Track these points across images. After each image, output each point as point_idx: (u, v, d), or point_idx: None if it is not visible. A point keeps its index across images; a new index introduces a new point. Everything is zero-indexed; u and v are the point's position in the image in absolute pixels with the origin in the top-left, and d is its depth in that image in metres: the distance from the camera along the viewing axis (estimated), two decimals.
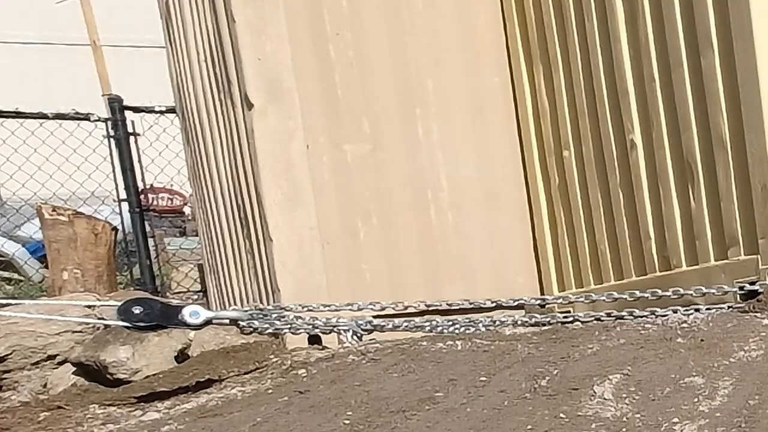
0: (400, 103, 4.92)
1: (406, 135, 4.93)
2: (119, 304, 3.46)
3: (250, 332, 3.54)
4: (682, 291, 3.81)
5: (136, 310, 3.37)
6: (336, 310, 3.71)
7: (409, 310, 3.75)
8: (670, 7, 4.12)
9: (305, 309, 3.66)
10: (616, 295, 3.84)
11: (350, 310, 3.70)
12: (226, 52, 4.84)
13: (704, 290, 3.80)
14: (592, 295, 3.91)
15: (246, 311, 3.57)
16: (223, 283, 5.58)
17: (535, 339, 3.39)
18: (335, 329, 3.55)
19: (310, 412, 2.82)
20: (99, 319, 4.21)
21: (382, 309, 3.80)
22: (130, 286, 8.09)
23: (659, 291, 3.86)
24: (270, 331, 3.65)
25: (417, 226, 4.93)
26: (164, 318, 3.38)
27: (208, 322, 3.47)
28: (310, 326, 3.61)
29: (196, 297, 8.43)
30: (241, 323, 3.51)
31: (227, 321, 3.52)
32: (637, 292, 3.89)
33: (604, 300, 3.97)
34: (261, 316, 3.62)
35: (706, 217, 4.11)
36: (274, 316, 3.63)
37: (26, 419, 3.25)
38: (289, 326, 3.65)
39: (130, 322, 3.37)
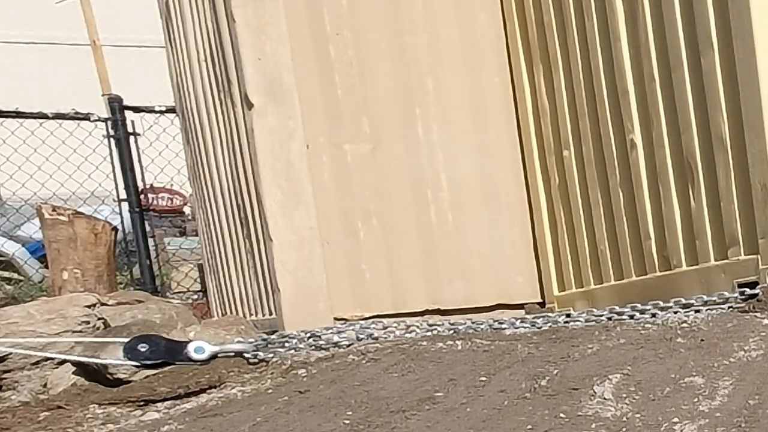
0: (400, 103, 4.92)
1: (406, 135, 4.93)
2: (126, 341, 3.49)
3: (257, 363, 3.55)
4: (684, 301, 3.77)
5: (142, 348, 3.42)
6: (339, 332, 3.72)
7: (412, 329, 3.74)
8: (670, 7, 4.11)
9: (308, 336, 3.66)
10: (618, 309, 3.80)
11: (353, 330, 3.70)
12: (226, 52, 4.84)
13: (705, 299, 3.77)
14: (594, 310, 3.89)
15: (251, 343, 3.58)
16: (223, 283, 5.58)
17: (535, 339, 3.39)
18: (336, 347, 3.57)
19: (310, 412, 2.82)
20: (99, 318, 4.21)
21: (385, 328, 3.79)
22: (130, 286, 8.08)
23: (661, 303, 3.80)
24: (274, 358, 3.66)
25: (417, 226, 4.93)
26: (170, 355, 3.41)
27: (213, 357, 3.49)
28: (312, 347, 3.62)
29: (196, 297, 8.43)
30: (246, 355, 3.53)
31: (233, 353, 3.54)
32: (638, 305, 3.83)
33: (606, 314, 3.90)
34: (265, 345, 3.63)
35: (706, 217, 4.11)
36: (277, 344, 3.64)
37: (26, 419, 3.25)
38: (292, 351, 3.66)
39: (138, 360, 3.41)
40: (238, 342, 3.63)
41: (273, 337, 3.71)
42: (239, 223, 5.08)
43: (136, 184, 7.96)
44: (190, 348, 3.46)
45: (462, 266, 4.98)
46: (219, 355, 3.52)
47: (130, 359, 3.43)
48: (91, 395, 3.76)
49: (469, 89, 5.04)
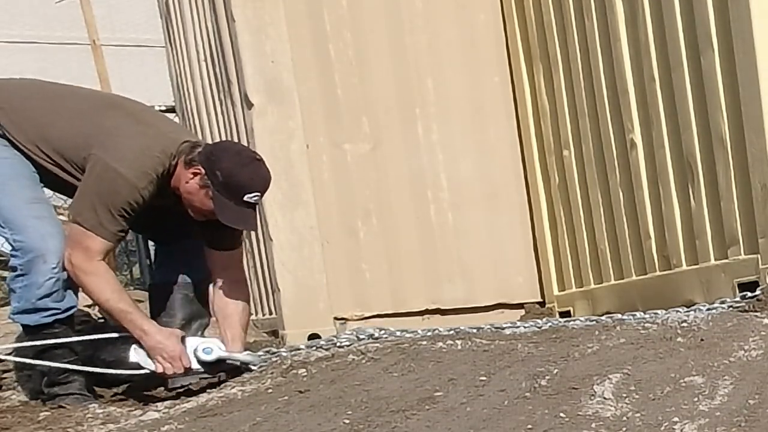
0: (400, 103, 4.92)
1: (406, 135, 4.93)
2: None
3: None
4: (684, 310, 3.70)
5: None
6: (347, 337, 3.71)
7: (417, 335, 3.74)
8: (670, 7, 4.12)
9: (314, 347, 3.66)
10: (618, 316, 3.77)
11: (357, 336, 3.70)
12: (226, 52, 4.84)
13: (708, 306, 3.73)
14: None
15: (259, 356, 3.58)
16: None
17: (535, 338, 3.39)
18: (335, 346, 3.57)
19: (310, 412, 2.82)
20: (99, 318, 4.21)
21: (390, 333, 3.79)
22: (130, 285, 8.07)
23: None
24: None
25: (417, 226, 4.93)
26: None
27: (219, 362, 3.48)
28: (313, 348, 3.63)
29: None
30: (252, 367, 3.52)
31: (238, 363, 3.54)
32: (638, 314, 3.78)
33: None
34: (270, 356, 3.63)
35: (706, 216, 4.11)
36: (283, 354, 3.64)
37: (26, 419, 3.25)
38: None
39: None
40: (248, 354, 3.62)
41: (282, 350, 3.70)
42: None
43: None
44: (199, 347, 3.47)
45: (462, 266, 4.98)
46: (227, 361, 3.51)
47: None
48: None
49: (469, 89, 5.04)
